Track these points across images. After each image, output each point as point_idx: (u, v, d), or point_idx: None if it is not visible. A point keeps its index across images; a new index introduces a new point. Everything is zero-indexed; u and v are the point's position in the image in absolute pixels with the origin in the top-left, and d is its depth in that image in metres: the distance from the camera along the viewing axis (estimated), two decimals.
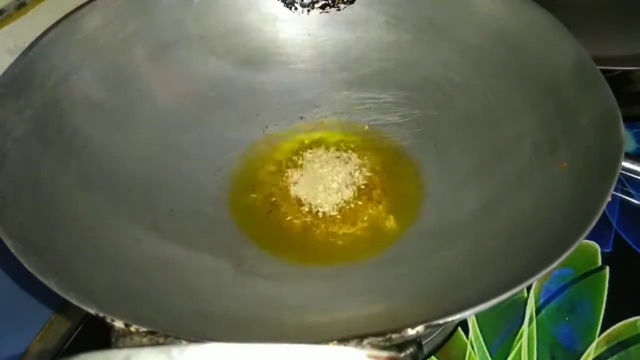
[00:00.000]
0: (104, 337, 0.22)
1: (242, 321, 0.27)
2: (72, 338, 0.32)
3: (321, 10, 0.39)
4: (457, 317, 0.21)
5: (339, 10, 0.39)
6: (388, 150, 0.37)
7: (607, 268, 0.35)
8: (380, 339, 0.21)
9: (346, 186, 0.35)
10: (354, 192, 0.34)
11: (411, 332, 0.21)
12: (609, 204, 0.25)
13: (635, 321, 0.32)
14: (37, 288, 0.22)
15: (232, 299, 0.28)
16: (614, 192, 0.36)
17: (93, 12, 0.33)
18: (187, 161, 0.35)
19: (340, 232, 0.32)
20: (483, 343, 0.32)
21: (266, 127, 0.38)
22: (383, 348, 0.21)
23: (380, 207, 0.34)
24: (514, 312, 0.33)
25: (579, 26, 0.33)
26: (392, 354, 0.18)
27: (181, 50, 0.37)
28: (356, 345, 0.21)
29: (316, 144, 0.37)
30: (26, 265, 0.23)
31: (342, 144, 0.37)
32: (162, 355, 0.17)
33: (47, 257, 0.25)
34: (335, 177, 0.35)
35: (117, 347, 0.21)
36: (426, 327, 0.21)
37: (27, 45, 0.31)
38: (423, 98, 0.37)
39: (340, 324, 0.27)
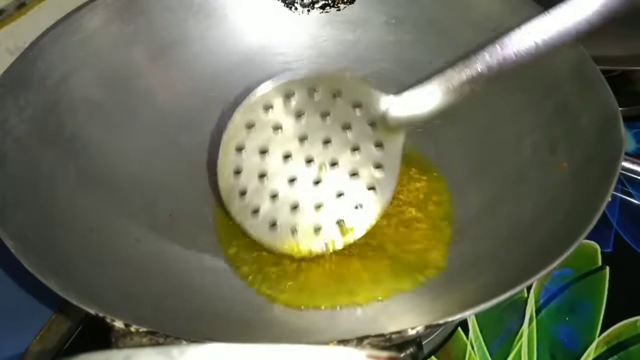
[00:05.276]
0: (104, 337, 0.22)
1: (242, 321, 0.27)
2: (72, 338, 0.32)
3: (321, 10, 0.39)
4: (457, 317, 0.21)
5: (339, 10, 0.39)
6: None
7: (607, 268, 0.35)
8: (380, 339, 0.21)
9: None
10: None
11: (411, 332, 0.21)
12: (609, 204, 0.25)
13: (635, 321, 0.32)
14: (37, 288, 0.22)
15: (232, 299, 0.28)
16: (614, 192, 0.36)
17: (93, 12, 0.33)
18: (187, 161, 0.35)
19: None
20: (483, 343, 0.32)
21: None
22: (383, 348, 0.21)
23: None
24: (514, 312, 0.33)
25: None
26: (392, 354, 0.18)
27: (181, 50, 0.37)
28: (356, 345, 0.21)
29: None
30: (26, 265, 0.23)
31: None
32: (162, 356, 0.17)
33: (47, 257, 0.25)
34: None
35: (117, 347, 0.21)
36: (426, 327, 0.21)
37: (27, 45, 0.31)
38: None
39: (341, 324, 0.27)
